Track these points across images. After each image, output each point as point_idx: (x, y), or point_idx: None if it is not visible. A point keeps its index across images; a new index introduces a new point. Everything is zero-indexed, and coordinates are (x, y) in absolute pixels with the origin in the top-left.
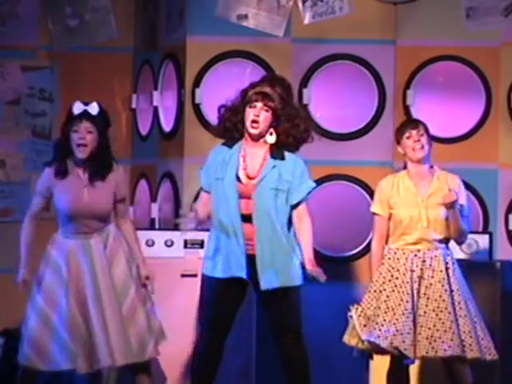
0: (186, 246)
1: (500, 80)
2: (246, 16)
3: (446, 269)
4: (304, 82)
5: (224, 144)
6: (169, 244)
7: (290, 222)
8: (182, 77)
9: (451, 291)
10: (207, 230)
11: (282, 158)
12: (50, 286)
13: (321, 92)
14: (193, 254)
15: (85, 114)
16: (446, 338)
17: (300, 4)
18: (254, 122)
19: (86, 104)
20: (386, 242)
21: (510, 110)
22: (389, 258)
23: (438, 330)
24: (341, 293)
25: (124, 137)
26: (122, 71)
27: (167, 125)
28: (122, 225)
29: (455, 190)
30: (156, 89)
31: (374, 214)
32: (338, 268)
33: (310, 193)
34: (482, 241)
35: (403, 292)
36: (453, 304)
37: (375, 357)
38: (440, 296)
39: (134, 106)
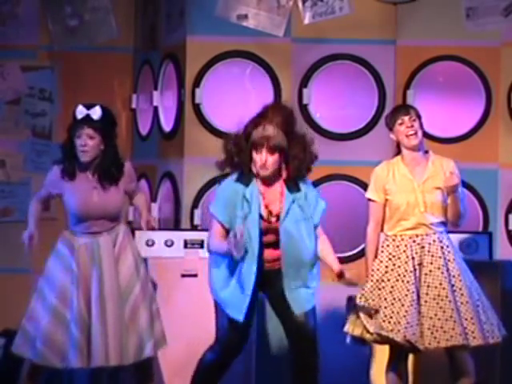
0: (186, 246)
1: (500, 80)
2: (245, 16)
3: (445, 254)
4: (304, 82)
5: (237, 180)
6: (169, 244)
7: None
8: (182, 77)
9: (451, 277)
10: (206, 230)
11: (298, 190)
12: (62, 284)
13: (321, 92)
14: (193, 254)
15: (87, 120)
16: (448, 327)
17: (300, 4)
18: (262, 166)
19: (89, 108)
20: (382, 230)
21: (510, 110)
22: (387, 246)
23: (439, 319)
24: (341, 293)
25: (124, 137)
26: (122, 71)
27: (167, 125)
28: (135, 197)
29: (456, 174)
30: (156, 89)
31: (370, 200)
32: None
33: (323, 213)
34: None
35: (408, 282)
36: (453, 291)
37: (377, 347)
38: (440, 284)
39: (134, 106)
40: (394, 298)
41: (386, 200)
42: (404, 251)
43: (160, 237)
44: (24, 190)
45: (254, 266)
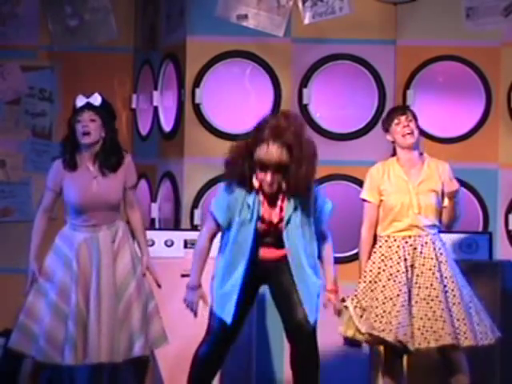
0: (185, 246)
1: (500, 80)
2: (245, 16)
3: (437, 255)
4: (304, 82)
5: (239, 185)
6: (169, 244)
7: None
8: (182, 77)
9: (443, 278)
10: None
11: (300, 196)
12: (63, 281)
13: (321, 92)
14: None
15: (87, 105)
16: (437, 327)
17: (300, 4)
18: (269, 186)
19: (88, 96)
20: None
21: (510, 110)
22: (380, 246)
23: (429, 320)
24: (340, 293)
25: (124, 137)
26: (122, 71)
27: (167, 125)
28: (131, 215)
29: (454, 178)
30: (156, 89)
31: (364, 200)
32: (338, 268)
33: (330, 215)
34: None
35: (400, 282)
36: (445, 292)
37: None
38: (431, 284)
39: (134, 105)
40: (386, 298)
41: (381, 201)
42: (396, 252)
43: (160, 237)
44: (24, 190)
45: (242, 269)
